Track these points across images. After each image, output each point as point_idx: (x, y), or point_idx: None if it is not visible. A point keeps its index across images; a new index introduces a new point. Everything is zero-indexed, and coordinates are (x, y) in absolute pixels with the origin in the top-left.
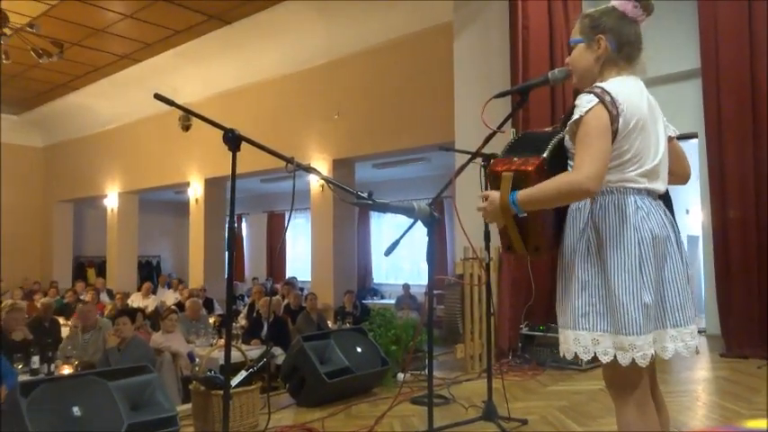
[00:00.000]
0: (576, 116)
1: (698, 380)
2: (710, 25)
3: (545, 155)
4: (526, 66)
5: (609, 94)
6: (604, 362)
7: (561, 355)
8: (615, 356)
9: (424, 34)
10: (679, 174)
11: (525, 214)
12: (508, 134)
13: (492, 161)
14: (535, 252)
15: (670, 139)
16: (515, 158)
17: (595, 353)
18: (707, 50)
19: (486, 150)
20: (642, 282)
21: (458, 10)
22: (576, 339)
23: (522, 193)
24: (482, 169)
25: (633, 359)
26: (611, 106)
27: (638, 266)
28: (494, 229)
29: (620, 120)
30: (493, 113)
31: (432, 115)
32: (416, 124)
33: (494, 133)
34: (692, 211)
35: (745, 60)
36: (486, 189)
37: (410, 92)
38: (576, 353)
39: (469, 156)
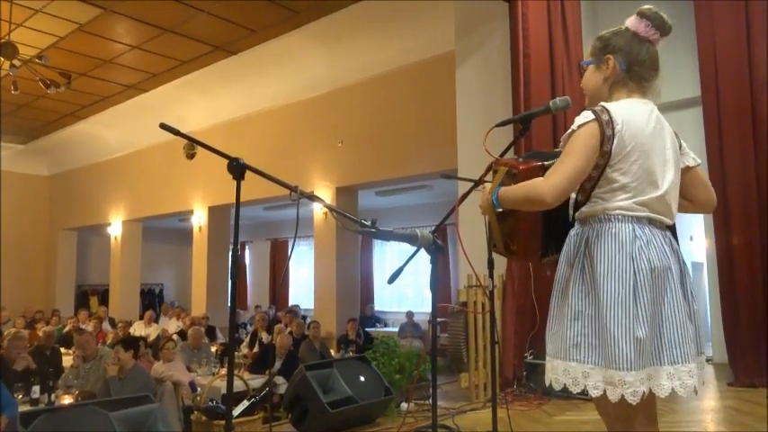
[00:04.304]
0: (569, 130)
1: (706, 410)
2: (710, 53)
3: (546, 163)
4: (528, 94)
5: (608, 112)
6: (594, 396)
7: (547, 384)
8: (605, 391)
9: (427, 63)
10: (702, 202)
11: (500, 209)
12: None
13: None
14: (510, 253)
15: (689, 168)
16: (520, 159)
17: (585, 386)
18: (707, 78)
19: (488, 178)
20: (636, 315)
21: (460, 39)
22: (566, 370)
23: (502, 189)
24: None
25: (623, 395)
26: (606, 125)
27: (633, 298)
28: (498, 257)
29: (615, 140)
30: (495, 141)
31: (434, 143)
32: (419, 152)
33: (496, 161)
34: (696, 237)
35: (746, 88)
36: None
37: (413, 120)
38: (564, 384)
39: (472, 183)
